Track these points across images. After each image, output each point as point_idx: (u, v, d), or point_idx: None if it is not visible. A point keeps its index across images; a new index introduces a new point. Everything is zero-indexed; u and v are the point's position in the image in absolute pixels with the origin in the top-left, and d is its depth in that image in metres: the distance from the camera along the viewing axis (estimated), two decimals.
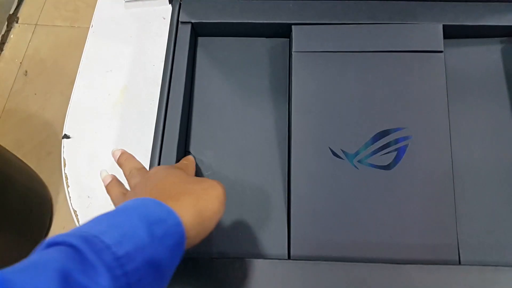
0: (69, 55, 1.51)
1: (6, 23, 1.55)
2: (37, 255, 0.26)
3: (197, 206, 0.32)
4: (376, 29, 0.47)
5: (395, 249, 0.40)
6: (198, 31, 0.50)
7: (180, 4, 0.49)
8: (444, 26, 0.46)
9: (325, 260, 0.39)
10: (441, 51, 0.46)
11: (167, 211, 0.30)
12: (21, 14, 1.60)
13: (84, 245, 0.25)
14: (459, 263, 0.40)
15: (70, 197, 0.49)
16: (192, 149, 0.48)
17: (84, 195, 0.49)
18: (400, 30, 0.47)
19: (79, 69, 0.56)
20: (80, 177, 0.50)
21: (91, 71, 0.56)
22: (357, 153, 0.43)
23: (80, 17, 1.59)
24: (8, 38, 1.55)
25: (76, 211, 0.48)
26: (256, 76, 0.50)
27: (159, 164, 0.43)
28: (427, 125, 0.43)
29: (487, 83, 0.48)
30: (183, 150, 0.45)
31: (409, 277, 0.37)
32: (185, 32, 0.48)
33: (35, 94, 1.44)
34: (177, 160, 0.44)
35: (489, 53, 0.49)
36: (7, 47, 1.53)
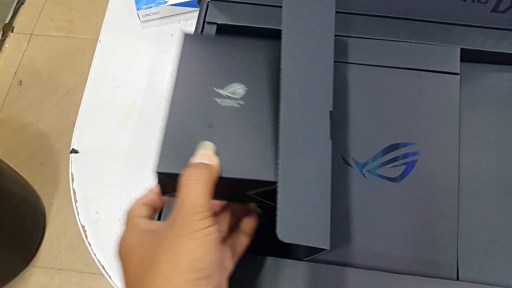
0: (64, 65, 1.50)
1: (1, 32, 1.55)
2: None
3: None
4: (395, 46, 0.48)
5: (395, 259, 0.41)
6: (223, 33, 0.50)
7: (208, 4, 0.49)
8: (461, 49, 0.47)
9: (323, 263, 0.39)
10: (457, 73, 0.47)
11: None
12: (17, 23, 1.59)
13: None
14: (457, 279, 0.41)
15: (78, 213, 0.49)
16: None
17: (92, 210, 0.49)
18: (418, 49, 0.48)
19: (87, 83, 0.57)
20: (88, 192, 0.50)
21: (99, 86, 0.57)
22: (366, 163, 0.44)
23: (75, 28, 1.59)
24: (3, 47, 1.54)
25: (84, 227, 0.48)
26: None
27: None
28: (437, 143, 0.44)
29: (499, 109, 0.48)
30: None
31: (405, 287, 0.38)
32: (210, 33, 0.48)
33: (29, 104, 1.43)
34: None
35: (503, 80, 0.50)
36: (1, 56, 1.52)
